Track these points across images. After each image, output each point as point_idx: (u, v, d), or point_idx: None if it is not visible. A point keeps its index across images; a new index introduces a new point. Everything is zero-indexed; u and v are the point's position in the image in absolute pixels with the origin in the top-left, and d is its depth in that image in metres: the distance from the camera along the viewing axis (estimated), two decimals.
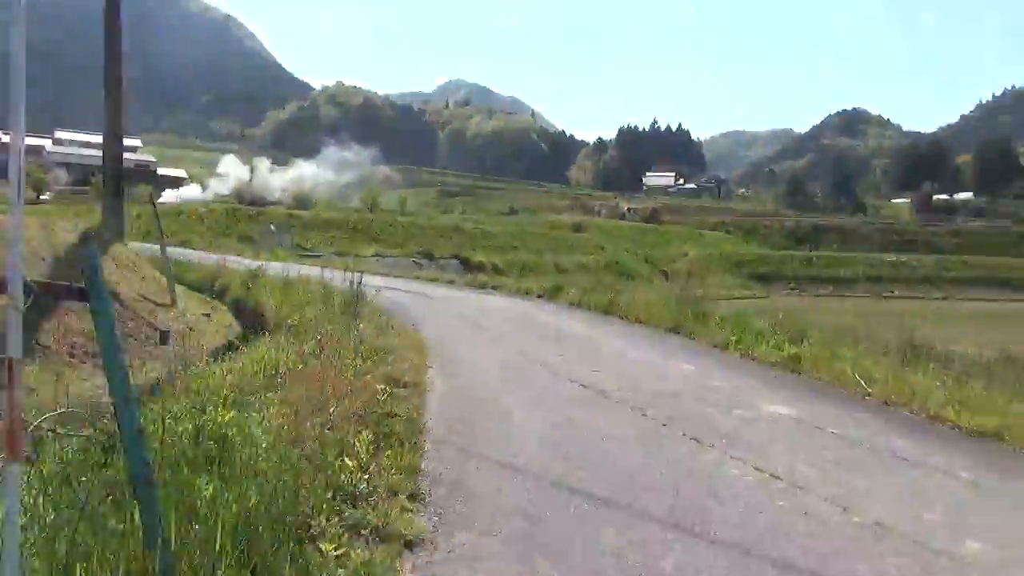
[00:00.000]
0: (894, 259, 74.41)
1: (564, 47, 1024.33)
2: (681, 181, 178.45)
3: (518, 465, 4.98)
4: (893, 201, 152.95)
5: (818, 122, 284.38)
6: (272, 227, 39.25)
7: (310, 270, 27.60)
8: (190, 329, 13.63)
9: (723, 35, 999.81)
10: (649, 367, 8.89)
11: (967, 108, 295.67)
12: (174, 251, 28.60)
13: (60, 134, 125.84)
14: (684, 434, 5.89)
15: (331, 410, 5.23)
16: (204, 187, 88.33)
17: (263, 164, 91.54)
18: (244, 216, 41.84)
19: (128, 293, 13.56)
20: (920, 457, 5.44)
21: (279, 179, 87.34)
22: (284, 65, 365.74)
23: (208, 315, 15.66)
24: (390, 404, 6.05)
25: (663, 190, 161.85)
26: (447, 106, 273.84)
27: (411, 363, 8.29)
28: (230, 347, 12.90)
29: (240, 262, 22.20)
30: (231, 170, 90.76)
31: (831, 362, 8.73)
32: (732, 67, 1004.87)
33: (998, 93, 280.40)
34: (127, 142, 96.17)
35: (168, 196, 75.43)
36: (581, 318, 13.88)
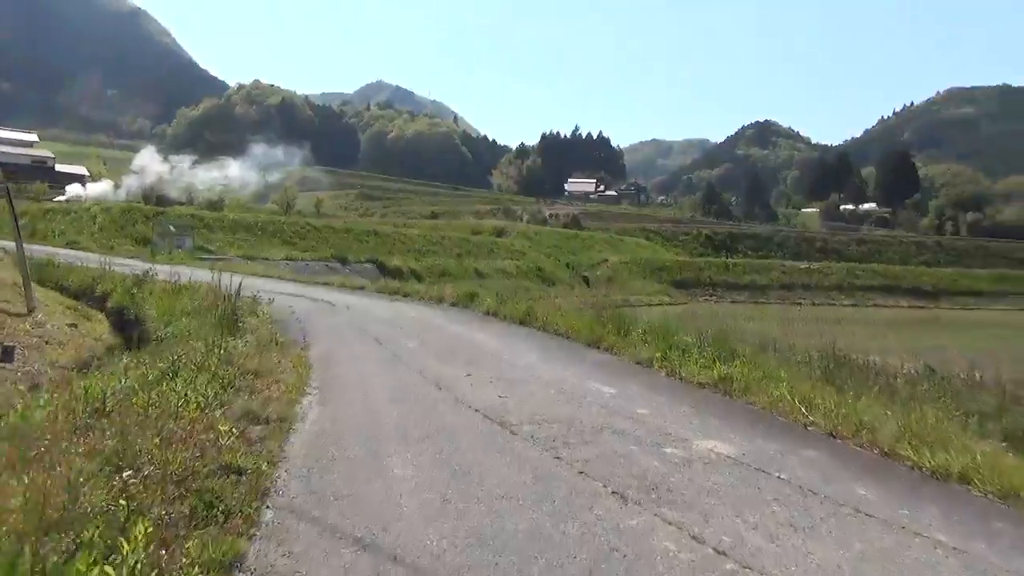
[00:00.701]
0: (807, 266, 76.34)
1: (488, 53, 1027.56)
2: (602, 188, 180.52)
3: (390, 548, 3.73)
4: (803, 210, 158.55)
5: (733, 133, 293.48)
6: (171, 228, 36.65)
7: (206, 275, 25.74)
8: (46, 342, 11.78)
9: (642, 46, 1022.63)
10: (565, 390, 7.76)
11: (870, 122, 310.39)
12: (60, 252, 26.17)
13: None
14: (605, 486, 4.77)
15: (138, 471, 3.86)
16: (117, 185, 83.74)
17: (184, 161, 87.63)
18: (141, 216, 39.00)
19: None
20: (888, 514, 4.46)
21: (205, 177, 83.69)
22: (198, 62, 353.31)
23: (75, 325, 13.75)
24: (233, 453, 4.70)
25: (585, 196, 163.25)
26: (368, 107, 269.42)
27: (284, 390, 6.92)
28: (90, 363, 11.23)
29: (131, 265, 20.08)
30: (148, 165, 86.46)
31: (765, 384, 7.81)
32: (651, 77, 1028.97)
33: (899, 109, 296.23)
34: (21, 136, 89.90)
35: (72, 192, 70.85)
36: (495, 330, 12.70)
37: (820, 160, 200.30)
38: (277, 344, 9.63)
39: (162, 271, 17.32)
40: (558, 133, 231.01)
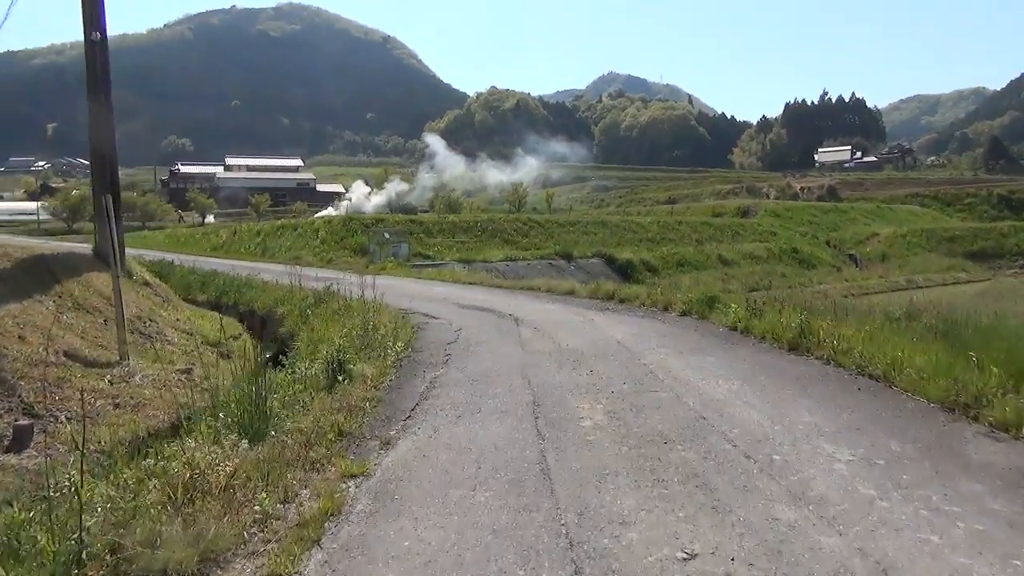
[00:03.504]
0: None
1: (720, 27, 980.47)
2: (859, 154, 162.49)
3: None
4: None
5: (1017, 75, 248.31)
6: (386, 235, 35.10)
7: (413, 286, 22.86)
8: (115, 405, 8.72)
9: None
10: None
11: None
12: (270, 268, 25.12)
13: (230, 160, 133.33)
14: None
15: None
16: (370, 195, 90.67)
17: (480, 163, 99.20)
18: (359, 227, 38.10)
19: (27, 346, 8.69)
20: None
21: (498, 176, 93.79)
22: (441, 77, 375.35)
23: (189, 371, 10.75)
24: None
25: (839, 166, 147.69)
26: (600, 100, 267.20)
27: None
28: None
29: (332, 279, 17.33)
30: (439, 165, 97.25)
31: None
32: (907, 25, 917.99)
33: None
34: (287, 162, 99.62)
35: (327, 211, 75.58)
36: (748, 371, 7.51)
37: None
38: (340, 436, 5.39)
39: (357, 283, 13.83)
40: (804, 101, 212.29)
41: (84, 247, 18.16)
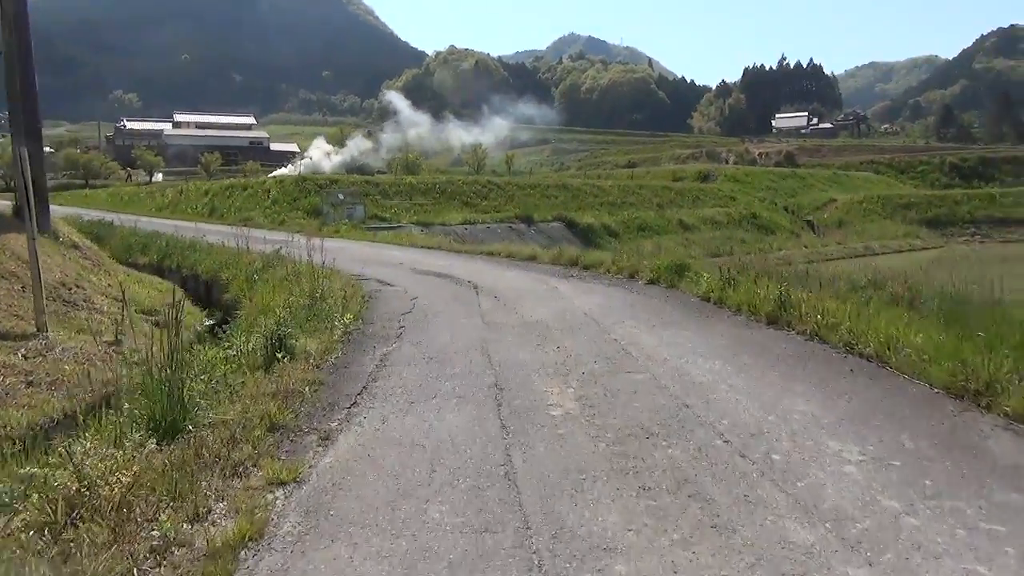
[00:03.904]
0: None
1: None
2: (815, 121, 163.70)
3: None
4: None
5: (968, 45, 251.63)
6: (340, 196, 33.82)
7: (367, 250, 21.90)
8: (28, 384, 7.80)
9: None
10: None
11: None
12: (213, 229, 23.82)
13: (179, 117, 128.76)
14: None
15: None
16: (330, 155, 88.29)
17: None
18: (313, 187, 36.69)
19: None
20: None
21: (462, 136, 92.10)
22: (399, 36, 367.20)
23: (118, 343, 9.79)
24: None
25: (795, 132, 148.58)
26: (560, 61, 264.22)
27: None
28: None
29: (282, 242, 16.20)
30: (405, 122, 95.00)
31: None
32: None
33: None
34: (240, 120, 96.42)
35: (285, 170, 73.22)
36: (731, 347, 6.94)
37: None
38: (271, 430, 4.64)
39: (310, 247, 12.74)
40: (762, 66, 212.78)
41: (5, 203, 16.80)
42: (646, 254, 16.79)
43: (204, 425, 4.44)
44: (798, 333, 7.38)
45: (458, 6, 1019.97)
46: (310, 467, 4.01)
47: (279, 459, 4.07)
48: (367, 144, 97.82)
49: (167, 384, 4.42)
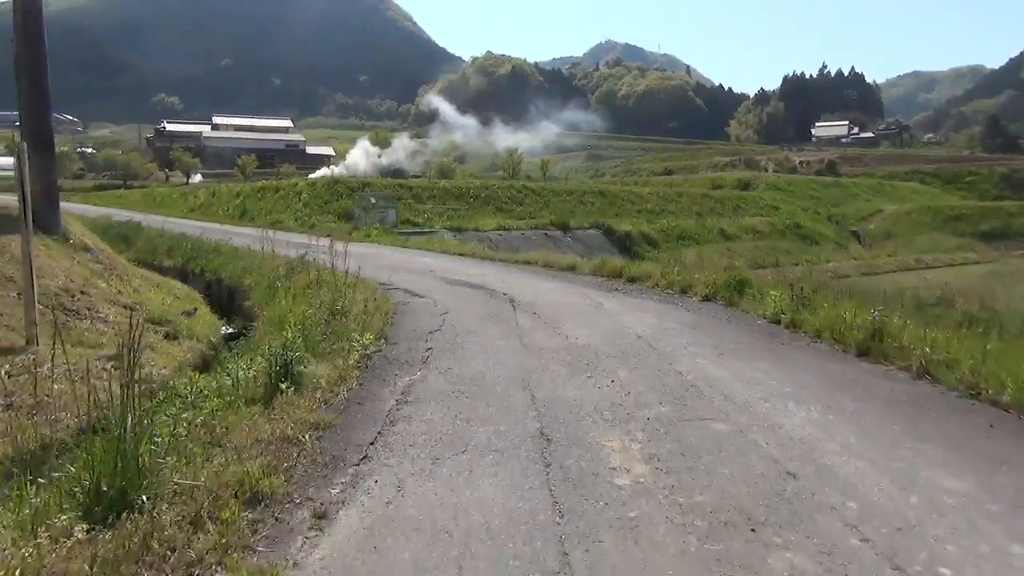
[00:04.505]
0: None
1: None
2: (855, 130, 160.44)
3: None
4: None
5: (1016, 54, 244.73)
6: (372, 200, 33.00)
7: (397, 256, 20.95)
8: (7, 406, 6.89)
9: None
10: None
11: None
12: (241, 231, 23.04)
13: (218, 119, 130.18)
14: None
15: None
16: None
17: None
18: (345, 190, 35.94)
19: None
20: None
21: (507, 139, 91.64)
22: (436, 41, 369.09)
23: (120, 357, 8.90)
24: None
25: (836, 140, 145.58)
26: (597, 68, 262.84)
27: None
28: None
29: (310, 246, 15.10)
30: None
31: None
32: (906, 1, 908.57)
33: None
34: (277, 123, 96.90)
35: (319, 173, 73.05)
36: (817, 384, 5.75)
37: None
38: (251, 504, 3.56)
39: (334, 252, 11.72)
40: (802, 74, 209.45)
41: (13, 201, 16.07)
42: (694, 266, 15.64)
43: (165, 495, 3.39)
44: (901, 369, 6.15)
45: (496, 12, 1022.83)
46: (294, 566, 2.93)
47: (254, 552, 3.00)
48: (413, 145, 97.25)
49: (117, 440, 3.38)
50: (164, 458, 3.62)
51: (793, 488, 3.67)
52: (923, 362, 5.99)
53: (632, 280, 13.14)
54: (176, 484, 3.47)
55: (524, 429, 4.68)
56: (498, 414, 5.03)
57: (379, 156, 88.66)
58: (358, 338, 7.36)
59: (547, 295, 11.47)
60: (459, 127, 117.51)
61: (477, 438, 4.52)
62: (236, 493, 3.44)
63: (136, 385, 3.65)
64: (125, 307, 11.31)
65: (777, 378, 5.91)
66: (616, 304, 10.52)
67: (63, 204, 33.33)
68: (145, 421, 3.70)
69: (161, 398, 5.50)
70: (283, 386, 5.54)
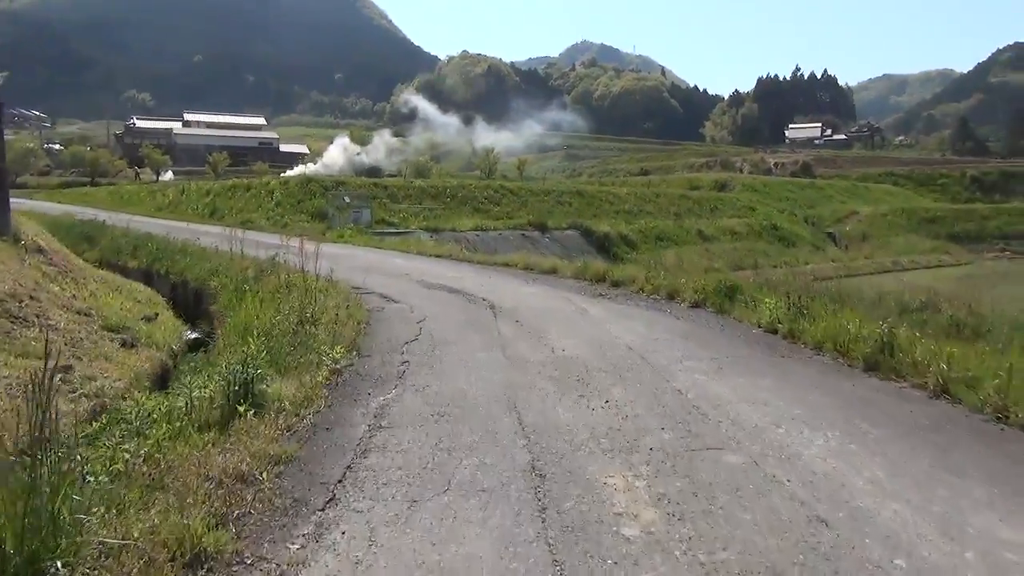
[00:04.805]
0: None
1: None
2: (828, 132, 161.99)
3: None
4: None
5: (984, 59, 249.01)
6: (346, 199, 32.22)
7: (372, 257, 20.31)
8: None
9: None
10: None
11: None
12: (203, 230, 22.15)
13: (189, 116, 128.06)
14: None
15: None
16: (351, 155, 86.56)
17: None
18: (319, 189, 35.09)
19: None
20: None
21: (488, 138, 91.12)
22: (412, 39, 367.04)
23: (68, 369, 8.19)
24: None
25: (809, 142, 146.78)
26: (573, 68, 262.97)
27: None
28: None
29: (281, 247, 14.31)
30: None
31: None
32: (878, 4, 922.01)
33: None
34: (250, 120, 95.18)
35: (293, 172, 71.72)
36: (830, 405, 5.29)
37: None
38: (191, 566, 2.98)
39: (303, 254, 11.01)
40: (776, 76, 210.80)
41: None
42: (674, 268, 15.22)
43: (87, 558, 2.81)
44: (916, 387, 5.70)
45: (471, 12, 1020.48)
46: None
47: None
48: (394, 143, 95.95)
49: (27, 492, 2.79)
50: (90, 511, 3.03)
51: (829, 540, 3.17)
52: (940, 380, 5.56)
53: (616, 284, 12.66)
54: (102, 543, 2.89)
55: (513, 462, 4.15)
56: (483, 442, 4.49)
57: (358, 154, 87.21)
58: (328, 351, 6.78)
59: (529, 300, 10.95)
60: (440, 125, 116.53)
61: (460, 473, 3.98)
62: (174, 554, 2.87)
63: (54, 422, 3.06)
64: (79, 313, 10.60)
65: (785, 398, 5.43)
66: (602, 310, 10.03)
67: (25, 202, 32.29)
68: (70, 462, 3.11)
69: (104, 422, 4.87)
70: (242, 409, 4.96)
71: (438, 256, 19.69)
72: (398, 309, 10.21)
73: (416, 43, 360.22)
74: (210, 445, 4.31)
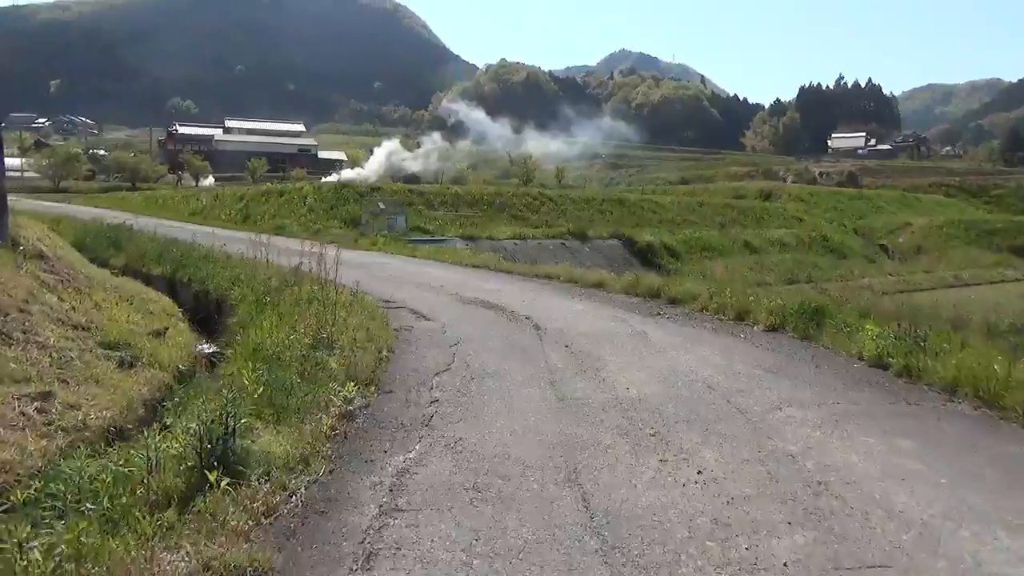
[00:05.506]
0: None
1: (733, 6, 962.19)
2: (873, 141, 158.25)
3: None
4: None
5: None
6: (381, 205, 31.18)
7: (406, 267, 19.14)
8: None
9: None
10: None
11: None
12: (227, 235, 21.22)
13: (230, 123, 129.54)
14: None
15: None
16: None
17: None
18: (353, 195, 34.13)
19: None
20: None
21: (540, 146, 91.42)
22: (451, 48, 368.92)
23: (47, 396, 7.03)
24: None
25: (852, 152, 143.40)
26: (611, 77, 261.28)
27: None
28: None
29: (301, 253, 13.20)
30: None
31: None
32: (925, 12, 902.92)
33: None
34: (289, 127, 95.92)
35: (331, 178, 71.14)
36: (1008, 489, 3.83)
37: None
38: None
39: (323, 265, 9.82)
40: (818, 85, 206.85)
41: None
42: (724, 281, 13.79)
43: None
44: None
45: (510, 21, 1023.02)
46: None
47: None
48: (446, 148, 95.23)
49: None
50: None
51: None
52: None
53: (674, 302, 11.19)
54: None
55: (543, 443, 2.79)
56: (537, 543, 3.15)
57: (404, 159, 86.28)
58: (339, 388, 5.50)
59: (577, 320, 9.57)
60: (489, 133, 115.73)
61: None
62: None
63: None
64: (75, 327, 9.52)
65: (946, 474, 4.00)
66: (663, 334, 8.62)
67: (62, 206, 31.71)
68: None
69: (34, 490, 3.66)
70: (213, 477, 3.68)
71: (475, 266, 18.40)
72: (429, 328, 8.94)
73: (455, 52, 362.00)
74: (155, 541, 3.04)
